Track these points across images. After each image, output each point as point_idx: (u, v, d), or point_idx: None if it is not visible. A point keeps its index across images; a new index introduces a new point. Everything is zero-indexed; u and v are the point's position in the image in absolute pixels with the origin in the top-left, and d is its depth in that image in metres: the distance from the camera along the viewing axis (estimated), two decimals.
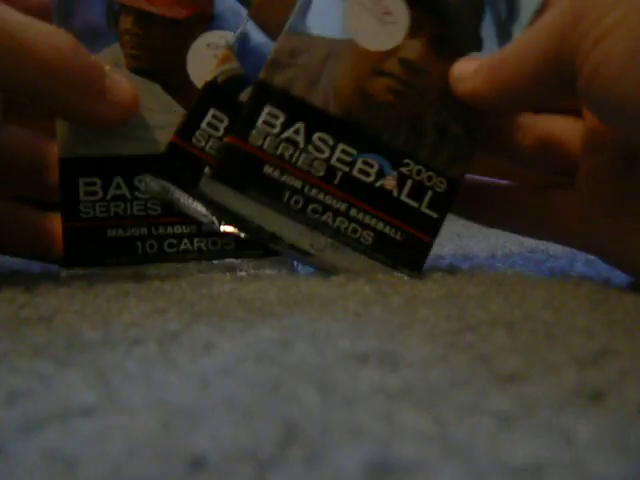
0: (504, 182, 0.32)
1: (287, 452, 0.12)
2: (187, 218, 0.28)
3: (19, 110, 0.30)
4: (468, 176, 0.29)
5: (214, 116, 0.28)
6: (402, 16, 0.28)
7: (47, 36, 0.25)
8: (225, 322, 0.21)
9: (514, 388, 0.15)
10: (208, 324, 0.20)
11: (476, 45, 0.29)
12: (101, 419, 0.13)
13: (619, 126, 0.25)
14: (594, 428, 0.12)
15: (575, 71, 0.23)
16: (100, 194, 0.28)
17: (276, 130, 0.27)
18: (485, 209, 0.31)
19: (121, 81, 0.27)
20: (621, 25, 0.22)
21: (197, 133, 0.28)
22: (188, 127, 0.28)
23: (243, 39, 0.29)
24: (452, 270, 0.30)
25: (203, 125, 0.28)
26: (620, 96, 0.22)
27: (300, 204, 0.27)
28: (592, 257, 0.34)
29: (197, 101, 0.28)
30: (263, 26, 0.29)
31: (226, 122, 0.28)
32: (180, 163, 0.28)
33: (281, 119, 0.27)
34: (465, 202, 0.30)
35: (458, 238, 0.47)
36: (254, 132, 0.27)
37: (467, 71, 0.28)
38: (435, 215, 0.28)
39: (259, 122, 0.27)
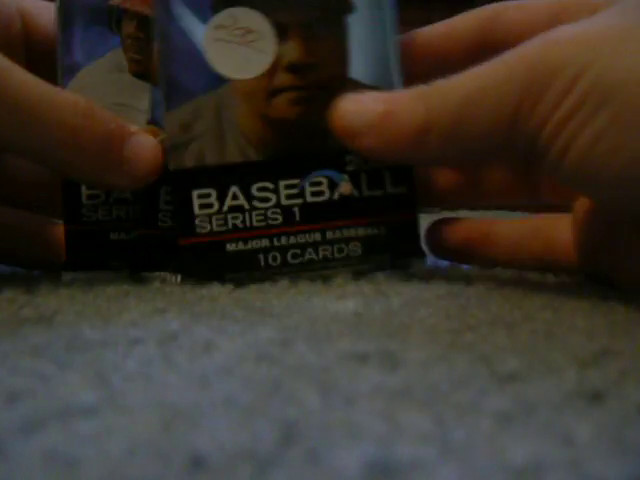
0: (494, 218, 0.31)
1: (287, 452, 0.12)
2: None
3: None
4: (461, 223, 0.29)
5: (167, 192, 0.27)
6: (264, 26, 0.26)
7: (55, 101, 0.24)
8: (225, 322, 0.21)
9: (514, 388, 0.15)
10: (208, 324, 0.20)
11: (347, 7, 0.27)
12: (101, 419, 0.13)
13: (597, 197, 0.24)
14: (594, 428, 0.12)
15: (531, 147, 0.22)
16: (216, 206, 0.26)
17: (215, 207, 0.26)
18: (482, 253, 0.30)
19: (143, 147, 0.26)
20: (580, 109, 0.21)
21: (160, 215, 0.27)
22: (148, 214, 0.27)
23: (157, 105, 0.27)
24: (452, 270, 0.30)
25: (161, 206, 0.27)
26: (594, 169, 0.21)
27: (278, 259, 0.26)
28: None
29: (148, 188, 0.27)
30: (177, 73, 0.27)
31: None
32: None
33: (213, 195, 0.26)
34: (461, 250, 0.30)
35: None
36: (197, 222, 0.26)
37: (359, 122, 0.25)
38: (404, 190, 0.27)
39: (196, 210, 0.26)
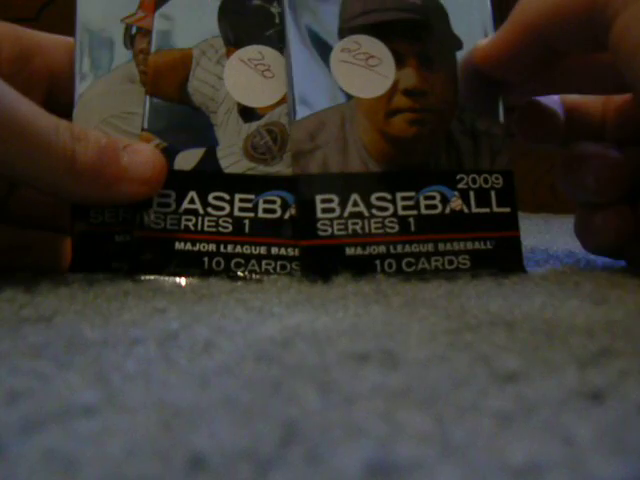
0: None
1: (287, 452, 0.12)
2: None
3: None
4: None
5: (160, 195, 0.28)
6: (384, 53, 0.29)
7: (50, 129, 0.24)
8: (225, 322, 0.21)
9: (514, 388, 0.15)
10: (208, 324, 0.20)
11: (457, 44, 0.30)
12: (101, 419, 0.13)
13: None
14: (594, 428, 0.12)
15: (605, 24, 0.24)
16: (338, 211, 0.28)
17: (337, 212, 0.27)
18: None
19: (141, 152, 0.27)
20: None
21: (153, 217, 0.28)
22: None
23: (151, 113, 0.29)
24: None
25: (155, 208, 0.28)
26: None
27: (394, 266, 0.27)
28: (592, 257, 0.34)
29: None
30: (162, 96, 0.29)
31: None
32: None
33: (336, 200, 0.28)
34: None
35: None
36: (319, 225, 0.27)
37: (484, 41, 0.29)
38: (508, 209, 0.29)
39: (318, 214, 0.27)
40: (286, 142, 0.28)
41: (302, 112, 0.28)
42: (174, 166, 0.28)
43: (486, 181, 0.29)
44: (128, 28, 0.29)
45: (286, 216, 0.28)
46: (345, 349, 0.17)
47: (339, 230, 0.27)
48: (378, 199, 0.28)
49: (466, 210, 0.28)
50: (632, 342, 0.18)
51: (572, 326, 0.20)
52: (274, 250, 0.27)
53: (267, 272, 0.27)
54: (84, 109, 0.29)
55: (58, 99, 0.28)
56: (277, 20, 0.30)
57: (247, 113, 0.29)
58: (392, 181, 0.28)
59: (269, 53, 0.29)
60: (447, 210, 0.28)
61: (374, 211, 0.28)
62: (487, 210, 0.29)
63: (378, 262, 0.27)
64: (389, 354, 0.17)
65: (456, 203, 0.28)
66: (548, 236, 0.50)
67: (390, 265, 0.27)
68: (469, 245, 0.28)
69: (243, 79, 0.29)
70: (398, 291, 0.25)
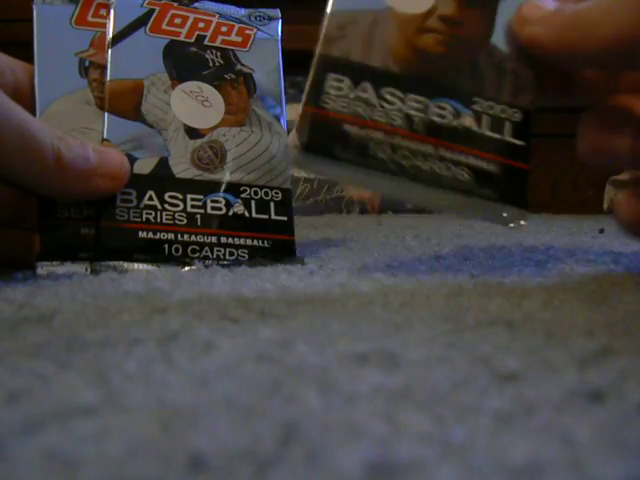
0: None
1: (287, 452, 0.12)
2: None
3: None
4: None
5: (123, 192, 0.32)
6: None
7: (41, 130, 0.28)
8: (225, 322, 0.21)
9: (514, 388, 0.15)
10: (208, 324, 0.20)
11: None
12: (101, 419, 0.13)
13: None
14: (594, 428, 0.12)
15: None
16: (345, 91, 0.29)
17: (344, 92, 0.28)
18: None
19: (109, 152, 0.32)
20: None
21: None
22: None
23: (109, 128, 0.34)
24: (452, 269, 0.30)
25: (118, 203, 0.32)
26: None
27: (387, 152, 0.28)
28: (592, 257, 0.34)
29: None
30: (120, 114, 0.34)
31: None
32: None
33: (347, 82, 0.28)
34: None
35: (458, 238, 0.47)
36: (323, 97, 0.28)
37: (535, 15, 0.28)
38: (521, 143, 0.29)
39: (326, 88, 0.28)
40: (225, 156, 0.34)
41: (339, 5, 0.30)
42: (133, 170, 0.33)
43: (503, 111, 0.29)
44: (82, 61, 0.35)
45: (230, 213, 0.33)
46: (345, 349, 0.17)
47: (341, 107, 0.28)
48: (389, 93, 0.28)
49: (476, 128, 0.29)
50: (632, 342, 0.18)
51: (572, 326, 0.20)
52: (223, 239, 0.33)
53: (218, 258, 0.32)
54: (48, 121, 0.32)
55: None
56: (210, 64, 0.36)
57: (192, 132, 0.34)
58: (408, 83, 0.29)
59: (206, 88, 0.35)
60: (457, 123, 0.28)
61: (382, 102, 0.28)
62: (499, 136, 0.29)
63: (373, 145, 0.28)
64: (389, 354, 0.17)
65: (467, 120, 0.28)
66: (548, 236, 0.50)
67: (384, 151, 0.28)
68: (472, 161, 0.28)
69: (187, 106, 0.35)
70: (398, 291, 0.25)
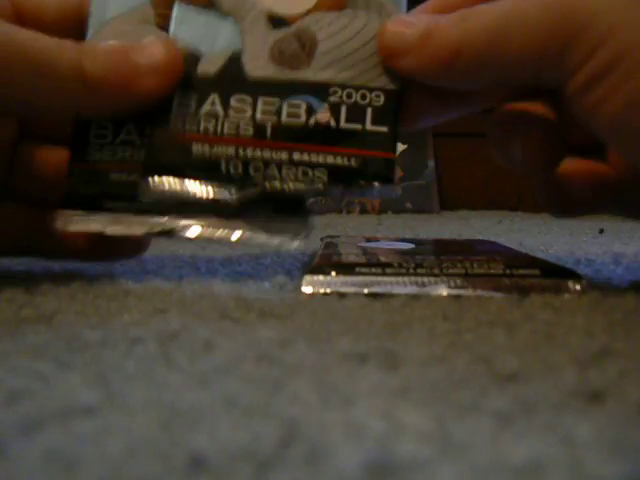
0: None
1: (287, 452, 0.12)
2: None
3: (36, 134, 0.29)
4: None
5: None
6: None
7: (52, 48, 0.24)
8: (225, 322, 0.21)
9: (514, 388, 0.15)
10: (208, 324, 0.20)
11: None
12: (101, 419, 0.13)
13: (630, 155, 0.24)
14: (594, 428, 0.12)
15: (558, 92, 0.23)
16: None
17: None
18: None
19: (154, 43, 0.26)
20: (611, 71, 0.21)
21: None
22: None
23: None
24: None
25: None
26: (628, 131, 0.22)
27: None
28: (592, 257, 0.34)
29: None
30: (190, 1, 0.28)
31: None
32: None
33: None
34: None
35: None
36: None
37: (402, 45, 0.25)
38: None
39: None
40: (314, 50, 0.28)
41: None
42: (198, 70, 0.27)
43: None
44: None
45: (311, 122, 0.27)
46: (345, 349, 0.17)
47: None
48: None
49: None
50: (632, 342, 0.18)
51: (572, 326, 0.20)
52: (296, 155, 0.27)
53: (287, 179, 0.26)
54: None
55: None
56: None
57: (276, 20, 0.28)
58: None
59: None
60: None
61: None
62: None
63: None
64: (389, 354, 0.17)
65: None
66: (548, 236, 0.51)
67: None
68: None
69: None
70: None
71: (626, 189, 0.28)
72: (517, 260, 0.28)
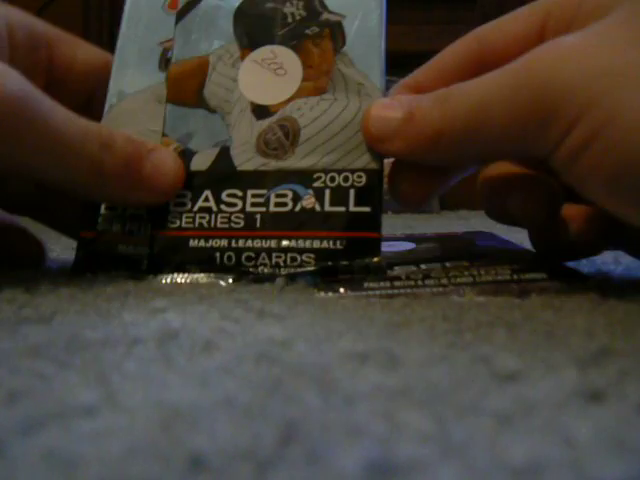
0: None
1: (287, 452, 0.12)
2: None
3: None
4: None
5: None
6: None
7: (81, 132, 0.25)
8: (225, 322, 0.21)
9: (514, 388, 0.15)
10: (208, 324, 0.20)
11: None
12: (101, 419, 0.13)
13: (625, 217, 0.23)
14: (594, 428, 0.12)
15: (543, 155, 0.23)
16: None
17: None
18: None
19: (163, 163, 0.28)
20: (593, 142, 0.21)
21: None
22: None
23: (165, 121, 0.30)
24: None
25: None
26: (616, 199, 0.22)
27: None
28: (592, 257, 0.34)
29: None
30: (180, 102, 0.30)
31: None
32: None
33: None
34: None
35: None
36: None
37: (386, 131, 0.26)
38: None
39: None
40: (297, 137, 0.29)
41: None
42: (190, 167, 0.29)
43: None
44: (165, 52, 0.31)
45: (297, 209, 0.28)
46: (345, 349, 0.17)
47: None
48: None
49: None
50: (632, 342, 0.18)
51: (572, 326, 0.20)
52: (284, 243, 0.27)
53: (277, 265, 0.27)
54: (113, 121, 0.30)
55: (54, 92, 0.27)
56: (289, 19, 0.31)
57: (260, 111, 0.29)
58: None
59: (281, 52, 0.30)
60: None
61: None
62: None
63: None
64: (389, 354, 0.17)
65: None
66: None
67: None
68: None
69: (256, 79, 0.30)
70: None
71: (625, 230, 0.28)
72: (522, 261, 0.28)
